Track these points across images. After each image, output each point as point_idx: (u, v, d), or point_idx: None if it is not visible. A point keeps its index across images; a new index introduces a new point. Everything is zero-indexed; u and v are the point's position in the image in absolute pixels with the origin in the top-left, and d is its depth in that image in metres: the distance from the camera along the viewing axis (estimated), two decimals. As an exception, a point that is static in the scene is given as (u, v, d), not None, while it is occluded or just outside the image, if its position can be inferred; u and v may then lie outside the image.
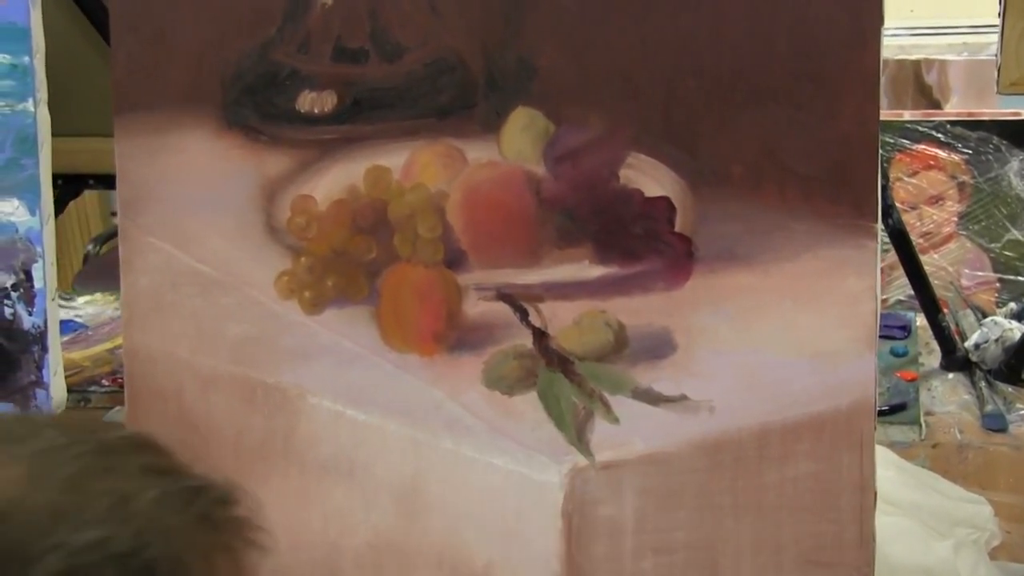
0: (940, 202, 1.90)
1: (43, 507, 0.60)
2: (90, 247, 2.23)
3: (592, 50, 0.99)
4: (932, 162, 1.90)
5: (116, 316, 1.74)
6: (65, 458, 0.63)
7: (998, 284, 1.82)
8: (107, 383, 1.57)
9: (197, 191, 1.06)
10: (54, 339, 1.14)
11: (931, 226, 1.89)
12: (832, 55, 0.96)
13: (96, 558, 0.59)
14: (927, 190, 1.89)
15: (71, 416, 1.09)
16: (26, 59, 1.11)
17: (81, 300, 1.79)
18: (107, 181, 1.90)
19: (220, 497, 0.67)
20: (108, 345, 1.66)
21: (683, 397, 1.01)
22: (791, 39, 0.96)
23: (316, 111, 1.04)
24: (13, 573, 0.58)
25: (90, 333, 1.70)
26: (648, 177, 1.00)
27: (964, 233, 1.88)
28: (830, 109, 0.96)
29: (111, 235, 2.30)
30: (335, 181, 1.05)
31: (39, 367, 1.13)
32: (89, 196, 2.58)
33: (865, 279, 0.97)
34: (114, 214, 3.26)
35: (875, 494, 0.99)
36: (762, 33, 0.96)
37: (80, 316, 1.75)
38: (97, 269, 2.10)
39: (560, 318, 1.02)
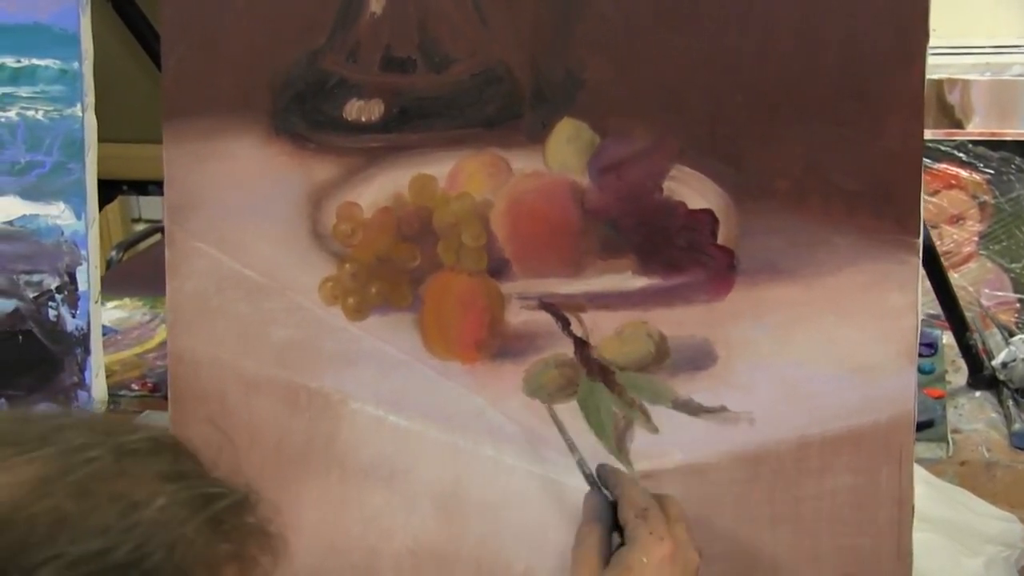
0: (961, 221, 1.91)
1: (47, 513, 0.59)
2: (113, 253, 2.24)
3: (639, 63, 1.00)
4: (953, 181, 1.91)
5: (145, 321, 1.75)
6: (78, 461, 0.62)
7: (1018, 304, 1.83)
8: (137, 387, 1.58)
9: (244, 197, 1.07)
10: (96, 341, 1.15)
11: (951, 245, 1.90)
12: (878, 73, 0.97)
13: (93, 569, 0.58)
14: (948, 209, 1.90)
15: (97, 416, 1.09)
16: (75, 64, 1.12)
17: (110, 305, 1.80)
18: (140, 187, 1.93)
19: (234, 504, 0.66)
20: (138, 349, 1.67)
21: (723, 408, 1.01)
22: (837, 56, 0.97)
23: (363, 119, 1.05)
24: None
25: (119, 337, 1.71)
26: (692, 190, 1.01)
27: (985, 253, 1.89)
28: (875, 126, 0.97)
29: (134, 241, 2.31)
30: (381, 189, 1.05)
31: (81, 369, 1.14)
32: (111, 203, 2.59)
33: (907, 294, 0.98)
34: (135, 221, 3.27)
35: (913, 508, 1.00)
36: (808, 50, 0.97)
37: (108, 320, 1.76)
38: (120, 275, 2.11)
39: (602, 328, 1.03)
